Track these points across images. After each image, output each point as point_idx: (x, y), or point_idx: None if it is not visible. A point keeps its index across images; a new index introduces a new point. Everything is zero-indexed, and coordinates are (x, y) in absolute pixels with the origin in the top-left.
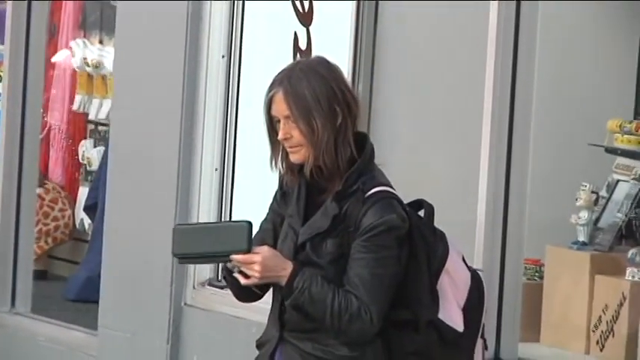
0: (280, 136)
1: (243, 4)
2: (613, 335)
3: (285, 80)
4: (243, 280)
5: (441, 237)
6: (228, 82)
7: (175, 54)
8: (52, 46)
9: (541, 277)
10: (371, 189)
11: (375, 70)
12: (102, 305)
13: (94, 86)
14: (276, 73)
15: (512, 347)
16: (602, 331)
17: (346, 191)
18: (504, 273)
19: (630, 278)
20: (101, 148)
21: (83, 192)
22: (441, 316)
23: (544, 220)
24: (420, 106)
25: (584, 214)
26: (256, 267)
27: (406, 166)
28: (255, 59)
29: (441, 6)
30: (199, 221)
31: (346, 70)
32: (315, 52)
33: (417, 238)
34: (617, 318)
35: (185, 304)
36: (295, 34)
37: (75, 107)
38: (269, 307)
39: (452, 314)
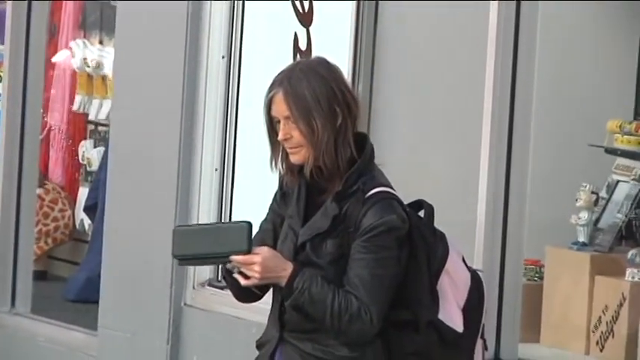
0: (280, 137)
1: (243, 4)
2: (613, 336)
3: (285, 81)
4: (243, 281)
5: (440, 237)
6: (228, 82)
7: (175, 54)
8: (52, 47)
9: (541, 278)
10: (371, 189)
11: (375, 70)
12: (102, 305)
13: (94, 87)
14: (276, 74)
15: (512, 348)
16: (602, 332)
17: (346, 192)
18: (504, 273)
19: (630, 279)
20: (101, 149)
21: (83, 192)
22: (440, 316)
23: (544, 221)
24: (420, 106)
25: (584, 215)
26: (256, 267)
27: (406, 166)
28: (255, 59)
29: (441, 6)
30: (199, 222)
31: (346, 70)
32: (315, 53)
33: (417, 239)
34: (616, 318)
35: (185, 304)
36: (295, 34)
37: (75, 107)
38: (269, 307)
39: (452, 315)
